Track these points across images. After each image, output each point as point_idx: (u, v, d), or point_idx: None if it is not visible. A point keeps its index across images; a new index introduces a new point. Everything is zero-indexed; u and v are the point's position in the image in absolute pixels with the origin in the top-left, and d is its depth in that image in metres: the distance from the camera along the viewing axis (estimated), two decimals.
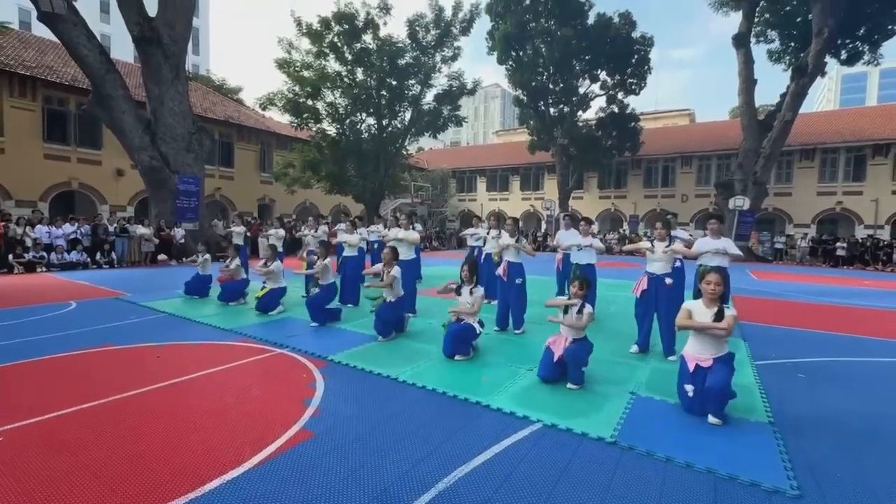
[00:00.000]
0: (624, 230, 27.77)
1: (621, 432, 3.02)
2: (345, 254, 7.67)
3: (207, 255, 8.15)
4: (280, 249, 8.30)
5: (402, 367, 4.33)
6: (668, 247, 4.85)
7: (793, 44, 21.75)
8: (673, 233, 6.48)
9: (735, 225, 20.38)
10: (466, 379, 4.07)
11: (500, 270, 5.94)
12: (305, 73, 20.32)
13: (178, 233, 15.23)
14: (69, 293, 8.47)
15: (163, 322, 6.23)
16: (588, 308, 3.98)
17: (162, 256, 14.77)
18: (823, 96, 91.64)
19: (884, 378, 4.48)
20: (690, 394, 3.29)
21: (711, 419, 3.19)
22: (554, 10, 23.90)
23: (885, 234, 22.23)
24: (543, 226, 29.89)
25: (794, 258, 21.72)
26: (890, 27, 18.93)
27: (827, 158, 24.50)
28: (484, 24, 25.15)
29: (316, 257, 6.57)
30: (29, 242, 12.17)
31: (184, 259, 14.49)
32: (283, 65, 20.25)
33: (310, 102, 20.58)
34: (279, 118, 23.46)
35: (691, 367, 3.31)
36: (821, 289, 11.55)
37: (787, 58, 22.26)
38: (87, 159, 17.85)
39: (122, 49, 35.30)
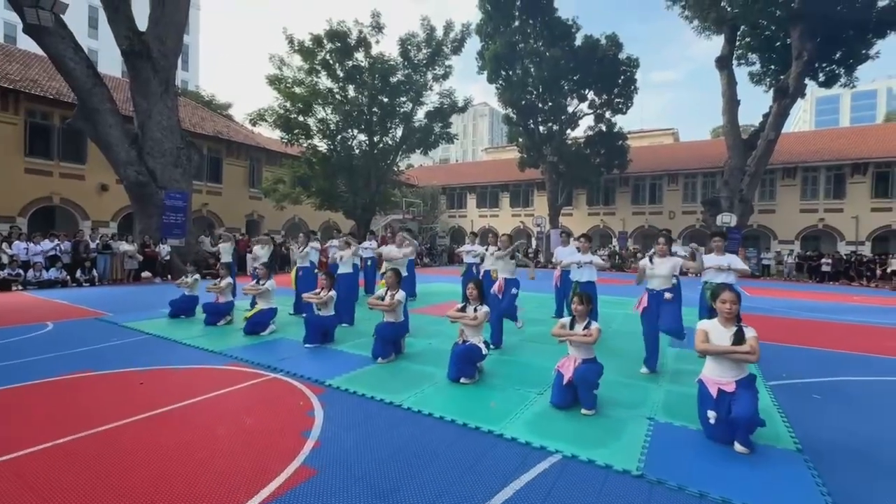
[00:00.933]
0: (613, 246, 27.95)
1: (647, 463, 2.82)
2: (339, 271, 7.43)
3: (197, 276, 7.82)
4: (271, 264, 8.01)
5: (405, 392, 4.09)
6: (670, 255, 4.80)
7: (773, 66, 22.50)
8: (719, 259, 6.28)
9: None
10: (474, 404, 3.84)
11: (495, 288, 5.86)
12: (297, 90, 20.27)
13: (164, 249, 14.79)
14: (45, 313, 8.03)
15: (146, 344, 5.88)
16: (595, 324, 3.82)
17: (146, 274, 14.28)
18: (800, 117, 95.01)
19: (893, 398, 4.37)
20: (713, 420, 3.12)
21: (739, 448, 3.02)
22: (542, 31, 24.45)
23: (866, 250, 22.74)
24: (534, 242, 29.98)
25: (782, 274, 22.01)
26: (864, 52, 19.71)
27: (808, 177, 25.17)
28: (474, 44, 25.65)
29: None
30: (5, 259, 11.65)
31: (169, 277, 14.04)
32: (275, 81, 20.19)
33: (301, 118, 20.49)
34: (269, 134, 23.33)
35: (713, 392, 3.15)
36: (812, 305, 11.61)
37: (768, 80, 22.99)
38: (70, 174, 17.37)
39: (110, 64, 35.03)
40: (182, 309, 7.45)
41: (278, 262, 18.52)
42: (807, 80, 20.69)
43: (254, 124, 20.48)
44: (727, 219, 20.71)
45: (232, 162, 23.86)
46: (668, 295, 4.76)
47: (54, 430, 3.18)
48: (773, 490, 2.56)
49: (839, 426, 3.57)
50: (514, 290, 5.82)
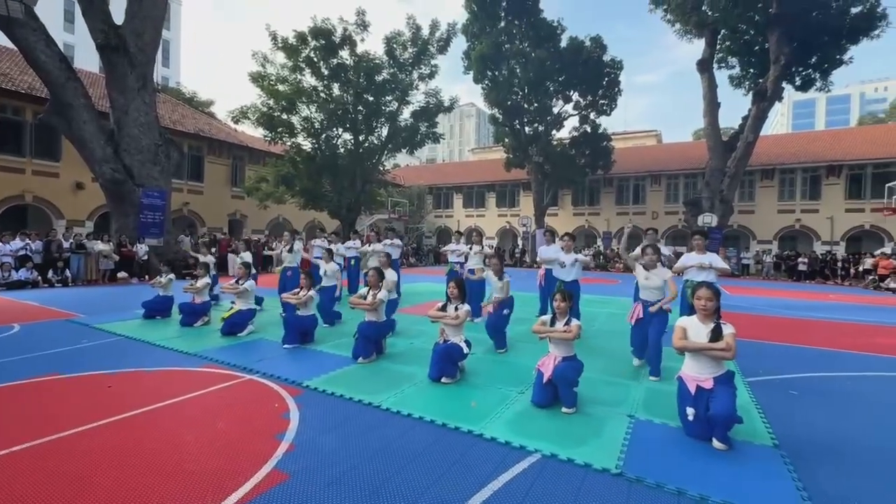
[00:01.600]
0: (598, 246, 28.23)
1: (626, 461, 2.81)
2: (322, 283, 7.29)
3: (171, 276, 7.61)
4: (253, 270, 7.82)
5: (385, 392, 4.01)
6: (657, 264, 4.75)
7: (752, 70, 22.98)
8: (700, 258, 6.32)
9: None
10: (455, 404, 3.79)
11: (489, 308, 5.81)
12: (280, 87, 19.98)
13: (141, 249, 14.40)
14: (13, 314, 7.71)
15: (118, 346, 5.68)
16: (575, 321, 3.80)
17: (122, 274, 13.88)
18: (777, 121, 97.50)
19: (871, 394, 4.46)
20: (691, 417, 3.13)
21: (717, 444, 3.03)
22: (528, 32, 24.57)
23: (840, 250, 23.39)
24: (520, 242, 30.10)
25: (761, 273, 22.49)
26: (838, 57, 20.26)
27: (785, 178, 25.79)
28: (460, 44, 25.59)
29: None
30: None
31: (146, 278, 13.68)
32: (258, 78, 19.85)
33: (284, 116, 20.19)
34: (252, 132, 22.94)
35: (692, 389, 3.15)
36: (790, 303, 11.87)
37: (747, 83, 23.47)
38: (43, 171, 16.79)
39: (86, 59, 34.08)
40: (156, 310, 7.24)
41: (262, 262, 18.22)
42: (784, 84, 21.19)
43: (236, 122, 20.10)
44: (708, 219, 21.08)
45: (214, 160, 23.40)
46: (666, 306, 4.71)
47: (14, 436, 3.02)
48: (749, 486, 2.56)
49: (815, 422, 3.61)
50: (506, 311, 5.72)
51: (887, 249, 21.23)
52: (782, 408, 3.88)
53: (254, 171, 23.69)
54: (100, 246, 13.42)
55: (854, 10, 18.74)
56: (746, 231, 26.40)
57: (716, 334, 3.11)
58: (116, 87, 14.10)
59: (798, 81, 21.63)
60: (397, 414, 3.56)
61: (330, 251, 7.69)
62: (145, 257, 14.42)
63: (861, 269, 19.53)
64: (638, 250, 5.15)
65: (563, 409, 3.61)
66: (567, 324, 3.75)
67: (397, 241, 10.35)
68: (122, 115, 14.23)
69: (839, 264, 20.86)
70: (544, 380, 3.69)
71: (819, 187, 24.88)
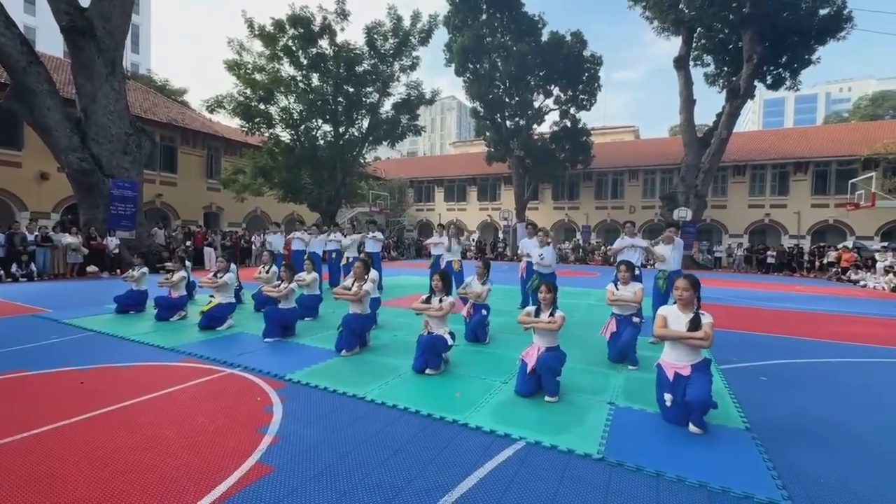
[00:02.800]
0: (577, 240, 28.68)
1: (607, 447, 2.88)
2: (305, 292, 7.17)
3: (144, 269, 7.37)
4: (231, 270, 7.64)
5: (369, 384, 4.00)
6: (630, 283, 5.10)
7: (726, 68, 23.58)
8: (631, 240, 6.73)
9: (680, 235, 21.61)
10: (440, 395, 3.81)
11: (463, 311, 5.86)
12: (257, 76, 19.45)
13: (112, 242, 13.89)
14: None
15: (89, 342, 5.48)
16: (560, 312, 3.87)
17: (92, 268, 13.39)
18: (749, 118, 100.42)
19: (835, 379, 4.69)
20: (669, 403, 3.23)
21: (693, 429, 3.14)
22: (509, 25, 24.57)
23: (806, 244, 24.41)
24: (501, 235, 30.29)
25: (732, 265, 23.27)
26: (807, 57, 20.99)
27: (756, 174, 26.68)
28: (442, 36, 25.43)
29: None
30: None
31: (118, 271, 13.22)
32: (234, 67, 19.28)
33: (262, 106, 19.70)
34: (228, 122, 22.30)
35: (670, 376, 3.25)
36: (759, 294, 12.34)
37: (721, 81, 24.08)
38: (3, 160, 15.98)
39: (50, 43, 32.48)
40: (129, 304, 7.02)
41: (240, 255, 17.85)
42: (756, 83, 21.83)
43: (211, 111, 19.49)
44: (683, 213, 21.65)
45: (188, 151, 22.70)
46: (636, 319, 4.89)
47: None
48: (723, 467, 2.67)
49: (783, 405, 3.78)
50: (483, 311, 5.77)
51: (849, 243, 22.28)
52: (753, 393, 4.04)
53: (230, 163, 23.08)
54: (68, 239, 12.88)
55: (822, 12, 19.40)
56: (719, 225, 27.23)
57: (694, 323, 3.21)
58: (83, 73, 13.48)
59: (769, 80, 22.32)
60: (382, 405, 3.55)
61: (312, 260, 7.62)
62: (116, 250, 13.92)
63: (825, 261, 20.43)
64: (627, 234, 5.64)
65: (546, 398, 3.67)
66: (552, 315, 3.81)
67: (378, 235, 10.30)
68: (89, 102, 13.62)
69: (805, 257, 21.77)
70: (528, 369, 3.74)
71: (787, 183, 25.85)
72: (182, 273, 6.80)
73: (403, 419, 3.32)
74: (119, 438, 2.92)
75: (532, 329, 3.88)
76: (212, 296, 6.31)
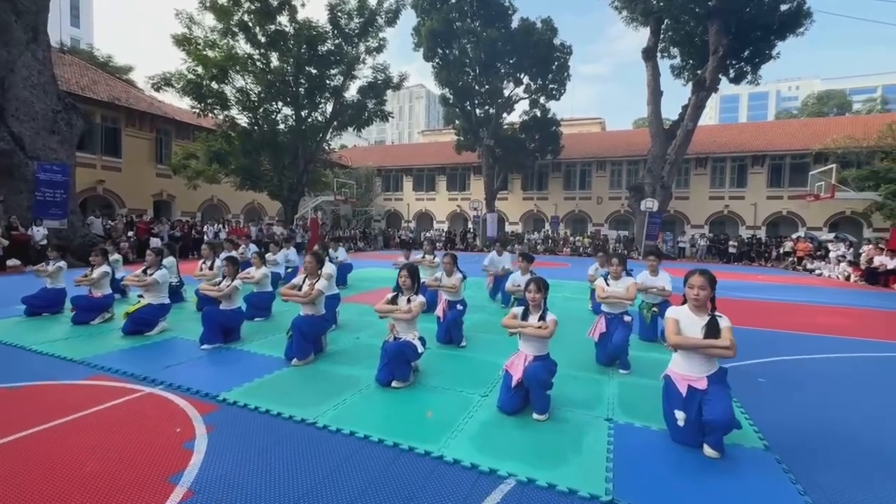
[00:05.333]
0: (546, 230, 28.61)
1: (615, 483, 2.35)
2: (255, 289, 6.33)
3: (62, 263, 6.31)
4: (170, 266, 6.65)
5: (323, 403, 3.31)
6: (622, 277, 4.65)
7: (692, 61, 23.85)
8: (651, 281, 5.92)
9: (645, 226, 21.87)
10: (408, 415, 3.18)
11: (438, 311, 5.40)
12: (209, 53, 17.90)
13: (39, 232, 12.35)
14: None
15: None
16: (551, 315, 3.30)
17: (13, 262, 11.82)
18: (706, 113, 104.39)
19: (835, 379, 4.41)
20: (682, 423, 2.74)
21: (708, 451, 2.66)
22: (479, 10, 23.87)
23: (762, 234, 25.31)
24: (471, 226, 29.82)
25: (695, 255, 23.78)
26: (767, 52, 21.48)
27: (717, 167, 27.37)
28: (410, 19, 24.40)
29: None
30: None
31: (29, 268, 11.73)
32: (183, 41, 17.65)
33: (215, 86, 18.19)
34: (179, 103, 20.53)
35: (682, 390, 2.75)
36: (726, 283, 12.34)
37: (687, 73, 24.37)
38: None
39: None
40: (41, 305, 5.96)
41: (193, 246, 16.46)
42: (720, 76, 22.17)
43: (157, 89, 17.81)
44: (650, 204, 21.84)
45: (134, 133, 20.80)
46: (626, 318, 4.44)
47: None
48: (752, 499, 2.20)
49: (792, 414, 3.39)
50: (459, 307, 5.31)
51: (801, 233, 23.19)
52: (757, 400, 3.64)
53: (182, 147, 21.32)
54: None
55: (783, 7, 19.80)
56: (682, 216, 27.82)
57: (711, 328, 2.71)
58: None
59: (732, 74, 22.71)
60: (338, 433, 2.88)
61: (261, 254, 6.74)
62: (44, 242, 12.36)
63: (782, 251, 21.15)
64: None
65: (535, 416, 3.12)
66: (542, 318, 3.24)
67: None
68: (6, 72, 11.94)
69: (763, 247, 22.50)
70: (513, 382, 3.17)
71: (745, 176, 26.66)
72: (104, 268, 5.80)
73: (364, 451, 2.67)
74: None
75: (518, 334, 3.30)
76: (140, 296, 5.39)
